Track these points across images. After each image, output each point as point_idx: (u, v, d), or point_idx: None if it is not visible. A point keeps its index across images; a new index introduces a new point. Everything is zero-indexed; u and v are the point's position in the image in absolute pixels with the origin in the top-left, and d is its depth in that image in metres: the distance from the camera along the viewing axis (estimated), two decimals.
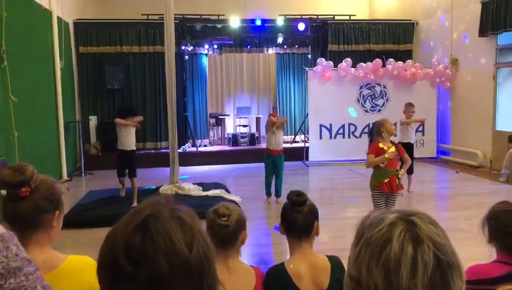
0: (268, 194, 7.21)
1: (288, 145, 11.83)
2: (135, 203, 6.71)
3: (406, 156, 4.90)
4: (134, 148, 7.03)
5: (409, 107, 7.87)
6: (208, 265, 0.85)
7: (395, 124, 5.38)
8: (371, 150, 4.77)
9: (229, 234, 1.93)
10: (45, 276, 1.48)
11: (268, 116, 7.29)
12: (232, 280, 1.90)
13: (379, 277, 0.79)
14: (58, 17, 9.03)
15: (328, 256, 2.09)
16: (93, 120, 11.00)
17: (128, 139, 6.85)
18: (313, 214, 2.10)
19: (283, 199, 6.83)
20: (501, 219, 2.04)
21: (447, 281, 0.79)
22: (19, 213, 1.50)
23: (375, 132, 4.88)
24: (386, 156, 4.61)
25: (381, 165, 4.69)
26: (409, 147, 7.05)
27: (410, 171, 7.21)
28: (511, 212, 2.04)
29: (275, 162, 7.05)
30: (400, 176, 4.70)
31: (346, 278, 0.89)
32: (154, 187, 7.84)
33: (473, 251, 3.04)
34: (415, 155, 7.79)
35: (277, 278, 2.01)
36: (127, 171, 7.02)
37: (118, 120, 6.83)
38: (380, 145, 4.72)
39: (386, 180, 4.65)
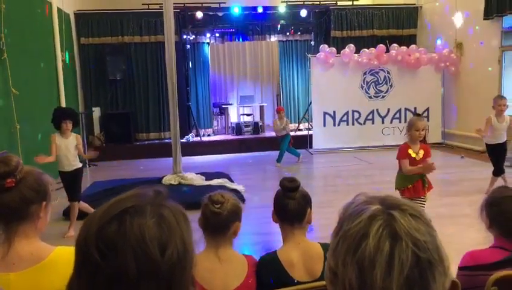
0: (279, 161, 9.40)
1: (292, 133, 11.78)
2: (71, 233, 5.24)
3: (427, 161, 4.23)
4: (78, 165, 5.39)
5: (498, 100, 6.19)
6: (180, 271, 0.82)
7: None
8: (401, 155, 4.28)
9: (220, 222, 1.90)
10: (32, 268, 1.48)
11: (276, 111, 9.69)
12: (223, 269, 1.88)
13: (353, 273, 0.77)
14: (58, 8, 8.99)
15: (321, 243, 2.06)
16: (96, 111, 11.00)
17: (67, 156, 5.25)
18: (306, 200, 2.08)
19: (283, 164, 9.18)
20: (503, 204, 2.02)
21: (427, 279, 0.76)
22: (5, 204, 1.48)
23: (407, 127, 4.42)
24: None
25: None
26: (498, 149, 6.29)
27: (499, 173, 6.32)
28: None
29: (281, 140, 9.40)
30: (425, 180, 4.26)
31: (326, 267, 0.86)
32: (158, 177, 7.83)
33: (476, 236, 3.02)
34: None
35: (269, 266, 1.99)
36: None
37: (52, 136, 5.25)
38: (409, 150, 4.26)
39: (409, 186, 4.26)
